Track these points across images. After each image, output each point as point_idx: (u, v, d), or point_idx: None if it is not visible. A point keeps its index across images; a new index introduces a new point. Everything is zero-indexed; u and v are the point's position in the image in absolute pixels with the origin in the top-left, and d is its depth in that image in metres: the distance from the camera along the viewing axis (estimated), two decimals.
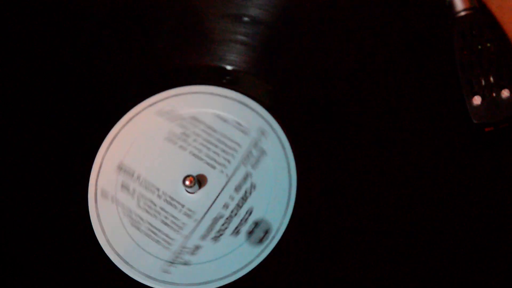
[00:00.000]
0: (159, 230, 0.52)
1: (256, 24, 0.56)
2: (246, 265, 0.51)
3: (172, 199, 0.53)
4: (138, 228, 0.52)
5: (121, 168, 0.54)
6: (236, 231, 0.52)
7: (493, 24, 0.55)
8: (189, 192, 0.53)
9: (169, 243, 0.52)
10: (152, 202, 0.53)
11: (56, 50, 0.57)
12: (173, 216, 0.52)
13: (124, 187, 0.53)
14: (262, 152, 0.53)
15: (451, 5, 0.54)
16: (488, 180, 0.51)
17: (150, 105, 0.55)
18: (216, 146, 0.54)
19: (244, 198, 0.52)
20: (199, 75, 0.56)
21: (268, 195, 0.52)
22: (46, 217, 0.53)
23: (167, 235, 0.52)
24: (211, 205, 0.52)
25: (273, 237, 0.51)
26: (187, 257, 0.51)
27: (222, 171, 0.53)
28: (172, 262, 0.51)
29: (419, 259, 0.50)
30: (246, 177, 0.53)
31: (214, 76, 0.56)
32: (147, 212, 0.53)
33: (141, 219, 0.53)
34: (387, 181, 0.52)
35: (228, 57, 0.56)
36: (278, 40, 0.56)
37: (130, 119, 0.55)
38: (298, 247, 0.51)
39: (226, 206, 0.52)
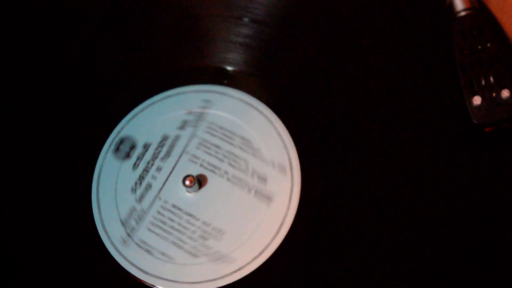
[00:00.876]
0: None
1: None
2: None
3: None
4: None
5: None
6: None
7: (493, 24, 0.55)
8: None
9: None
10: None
11: (57, 49, 0.57)
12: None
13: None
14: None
15: (451, 5, 0.54)
16: (488, 180, 0.51)
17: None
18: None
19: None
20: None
21: None
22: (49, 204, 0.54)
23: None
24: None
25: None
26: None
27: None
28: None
29: (420, 259, 0.50)
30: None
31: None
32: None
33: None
34: (387, 182, 0.52)
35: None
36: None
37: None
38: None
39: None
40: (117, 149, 0.53)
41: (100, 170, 0.54)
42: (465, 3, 0.54)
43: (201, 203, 0.53)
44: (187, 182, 0.52)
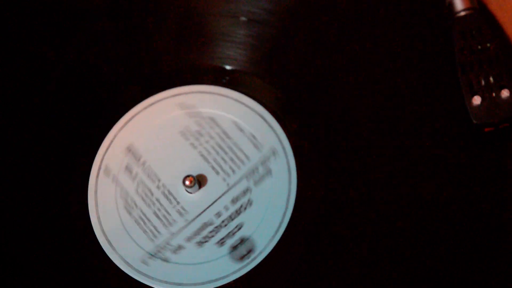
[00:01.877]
0: (149, 220, 0.52)
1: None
2: (221, 278, 0.51)
3: (170, 193, 0.53)
4: (130, 213, 0.53)
5: (130, 150, 0.54)
6: (221, 242, 0.51)
7: (493, 24, 0.55)
8: (189, 192, 0.53)
9: (155, 236, 0.52)
10: (150, 191, 0.53)
11: (62, 48, 0.57)
12: (166, 211, 0.53)
13: (128, 169, 0.54)
14: (268, 172, 0.53)
15: (451, 5, 0.54)
16: (488, 180, 0.51)
17: (174, 96, 0.55)
18: (226, 152, 0.54)
19: (238, 212, 0.52)
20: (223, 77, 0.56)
21: (261, 215, 0.52)
22: (44, 191, 0.54)
23: (155, 227, 0.52)
24: (205, 210, 0.52)
25: (255, 258, 0.51)
26: (168, 254, 0.51)
27: (224, 179, 0.53)
28: (152, 255, 0.52)
29: (419, 259, 0.50)
30: (246, 191, 0.53)
31: (247, 80, 0.56)
32: (143, 199, 0.53)
33: (135, 204, 0.53)
34: (386, 182, 0.52)
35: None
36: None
37: (152, 104, 0.55)
38: (278, 273, 0.51)
39: (218, 214, 0.52)
40: (234, 248, 0.52)
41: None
42: (465, 3, 0.54)
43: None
44: (187, 182, 0.52)
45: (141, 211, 0.53)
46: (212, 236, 0.52)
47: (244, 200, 0.52)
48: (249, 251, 0.51)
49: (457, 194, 0.51)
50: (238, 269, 0.51)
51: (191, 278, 0.51)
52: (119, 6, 0.58)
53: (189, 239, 0.52)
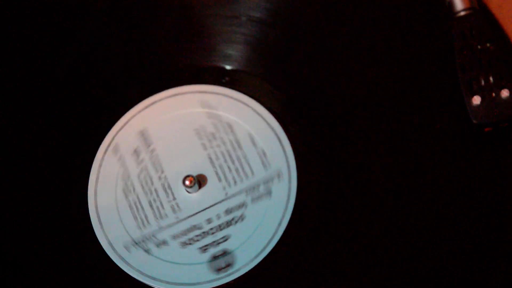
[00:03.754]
0: (142, 208, 0.53)
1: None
2: (194, 284, 0.51)
3: (169, 187, 0.53)
4: (126, 196, 0.53)
5: (142, 134, 0.55)
6: (204, 249, 0.52)
7: (493, 24, 0.55)
8: (188, 191, 0.53)
9: (144, 225, 0.52)
10: (151, 179, 0.53)
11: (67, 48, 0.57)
12: (161, 203, 0.53)
13: (136, 153, 0.54)
14: (268, 192, 0.53)
15: (451, 5, 0.54)
16: (488, 180, 0.51)
17: (199, 92, 0.55)
18: (233, 162, 0.54)
19: (228, 224, 0.52)
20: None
21: (250, 233, 0.52)
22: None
23: (146, 217, 0.53)
24: (198, 213, 0.52)
25: (232, 273, 0.51)
26: (151, 246, 0.52)
27: (224, 188, 0.53)
28: (136, 243, 0.52)
29: (419, 259, 0.50)
30: (241, 206, 0.52)
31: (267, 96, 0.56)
32: (142, 186, 0.53)
33: (134, 189, 0.53)
34: (386, 182, 0.52)
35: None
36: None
37: (175, 95, 0.55)
38: None
39: (209, 221, 0.52)
40: (215, 258, 0.52)
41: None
42: (464, 3, 0.54)
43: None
44: (187, 182, 0.52)
45: (137, 197, 0.53)
46: (197, 241, 0.52)
47: (237, 213, 0.52)
48: (228, 265, 0.51)
49: (457, 194, 0.51)
50: (212, 280, 0.51)
51: (166, 276, 0.51)
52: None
53: (175, 237, 0.52)
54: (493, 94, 0.52)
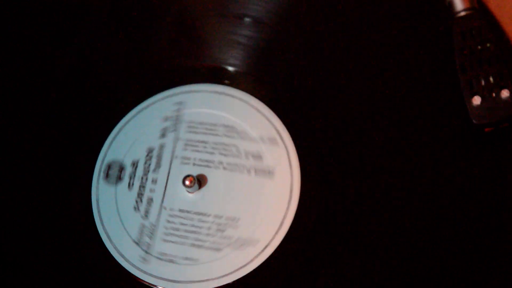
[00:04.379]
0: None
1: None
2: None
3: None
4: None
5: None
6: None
7: (493, 24, 0.55)
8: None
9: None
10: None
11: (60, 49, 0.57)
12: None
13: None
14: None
15: (451, 5, 0.54)
16: (488, 180, 0.51)
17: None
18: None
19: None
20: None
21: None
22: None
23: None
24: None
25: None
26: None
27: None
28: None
29: (419, 259, 0.50)
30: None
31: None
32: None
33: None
34: (386, 182, 0.52)
35: None
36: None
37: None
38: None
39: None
40: (107, 176, 0.53)
41: (98, 199, 0.54)
42: (464, 3, 0.54)
43: (207, 199, 0.53)
44: (187, 182, 0.52)
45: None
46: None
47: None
48: (121, 170, 0.53)
49: (457, 194, 0.51)
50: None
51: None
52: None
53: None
54: (493, 94, 0.52)
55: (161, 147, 0.54)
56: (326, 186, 0.52)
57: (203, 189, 0.53)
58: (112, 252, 0.52)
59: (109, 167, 0.54)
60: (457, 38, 0.53)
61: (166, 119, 0.55)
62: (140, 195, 0.53)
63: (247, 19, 0.57)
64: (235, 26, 0.57)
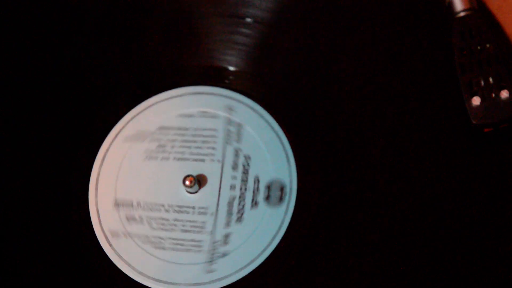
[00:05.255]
0: (184, 240, 0.52)
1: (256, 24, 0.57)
2: (279, 227, 0.51)
3: (180, 207, 0.53)
4: (163, 248, 0.52)
5: (117, 204, 0.53)
6: (254, 203, 0.52)
7: (493, 24, 0.55)
8: (189, 193, 0.53)
9: (199, 246, 0.52)
10: (163, 219, 0.53)
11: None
12: (189, 221, 0.52)
13: (130, 219, 0.53)
14: (239, 125, 0.54)
15: (451, 6, 0.54)
16: (488, 181, 0.51)
17: (117, 134, 0.55)
18: (195, 141, 0.54)
19: (245, 172, 0.53)
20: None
21: (265, 158, 0.53)
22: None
23: (193, 240, 0.52)
24: (219, 194, 0.53)
25: (290, 190, 0.52)
26: (222, 249, 0.51)
27: (212, 160, 0.53)
28: (211, 261, 0.51)
29: (419, 260, 0.50)
30: (237, 153, 0.53)
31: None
32: (164, 229, 0.52)
33: (161, 238, 0.52)
34: (386, 182, 0.52)
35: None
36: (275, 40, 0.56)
37: (104, 155, 0.55)
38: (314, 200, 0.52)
39: (233, 187, 0.52)
40: (268, 197, 0.53)
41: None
42: (464, 3, 0.54)
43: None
44: (187, 182, 0.52)
45: (170, 238, 0.52)
46: (243, 206, 0.52)
47: (241, 159, 0.53)
48: (282, 189, 0.52)
49: (457, 194, 0.51)
50: (285, 211, 0.52)
51: (256, 249, 0.51)
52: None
53: (227, 224, 0.52)
54: (493, 95, 0.52)
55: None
56: (323, 175, 0.52)
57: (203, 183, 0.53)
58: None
59: (269, 187, 0.53)
60: (456, 39, 0.53)
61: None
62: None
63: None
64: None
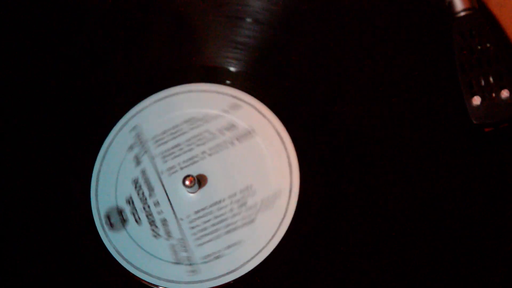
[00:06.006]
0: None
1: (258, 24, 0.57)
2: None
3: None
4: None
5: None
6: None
7: (493, 24, 0.55)
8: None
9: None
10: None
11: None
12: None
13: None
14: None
15: (451, 5, 0.54)
16: (488, 180, 0.51)
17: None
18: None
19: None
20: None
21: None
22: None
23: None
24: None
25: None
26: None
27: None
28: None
29: (419, 259, 0.50)
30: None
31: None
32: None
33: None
34: (386, 181, 0.52)
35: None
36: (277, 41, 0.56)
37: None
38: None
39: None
40: (111, 225, 0.53)
41: (117, 250, 0.53)
42: (464, 3, 0.54)
43: (212, 189, 0.53)
44: (187, 182, 0.52)
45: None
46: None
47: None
48: (121, 213, 0.53)
49: (457, 194, 0.51)
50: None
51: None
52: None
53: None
54: (493, 95, 0.52)
55: (143, 172, 0.54)
56: (325, 174, 0.53)
57: (203, 183, 0.53)
58: (161, 284, 0.52)
59: (108, 217, 0.53)
60: (457, 38, 0.53)
61: (131, 147, 0.55)
62: (152, 223, 0.53)
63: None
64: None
